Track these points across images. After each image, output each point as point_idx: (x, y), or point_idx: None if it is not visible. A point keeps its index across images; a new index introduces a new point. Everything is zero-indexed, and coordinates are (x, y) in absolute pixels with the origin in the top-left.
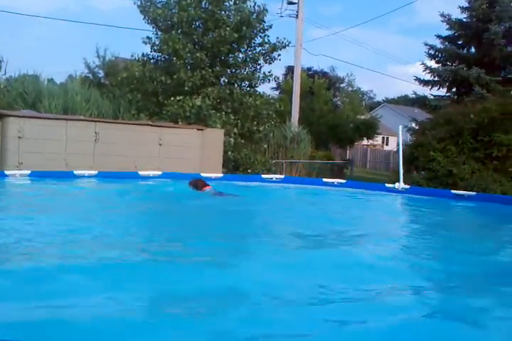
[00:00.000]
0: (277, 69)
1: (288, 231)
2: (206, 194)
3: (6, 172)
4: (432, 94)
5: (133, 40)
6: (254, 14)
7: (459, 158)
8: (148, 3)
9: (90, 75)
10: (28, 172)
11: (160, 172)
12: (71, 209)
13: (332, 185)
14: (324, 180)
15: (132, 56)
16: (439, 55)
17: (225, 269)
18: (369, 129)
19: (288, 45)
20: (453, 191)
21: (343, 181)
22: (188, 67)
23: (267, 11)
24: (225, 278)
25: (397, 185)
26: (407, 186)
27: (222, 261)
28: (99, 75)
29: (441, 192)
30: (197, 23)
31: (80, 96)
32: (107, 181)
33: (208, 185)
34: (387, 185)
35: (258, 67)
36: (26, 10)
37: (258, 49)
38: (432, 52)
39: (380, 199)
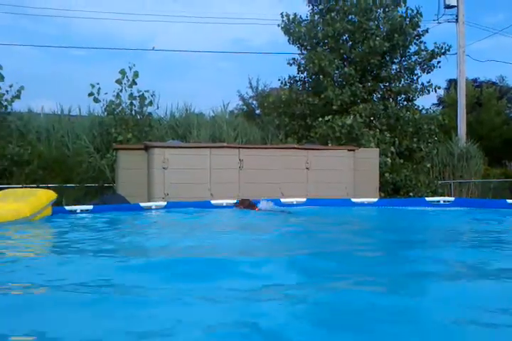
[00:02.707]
0: (437, 82)
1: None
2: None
3: (142, 204)
4: None
5: (283, 68)
6: (407, 19)
7: None
8: (292, 24)
9: (245, 107)
10: (164, 203)
11: (304, 200)
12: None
13: None
14: (509, 201)
15: (279, 80)
16: None
17: None
18: None
19: (449, 50)
20: None
21: None
22: (336, 85)
23: (421, 15)
24: None
25: None
26: None
27: None
28: (253, 106)
29: None
30: (343, 37)
31: (227, 125)
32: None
33: (256, 206)
34: None
35: (415, 77)
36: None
37: (414, 58)
38: None
39: None
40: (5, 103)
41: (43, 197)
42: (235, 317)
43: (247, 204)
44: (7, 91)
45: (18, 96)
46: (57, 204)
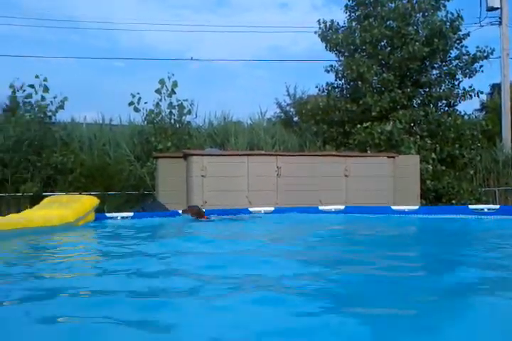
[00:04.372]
0: (480, 86)
1: None
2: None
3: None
4: None
5: (321, 75)
6: (447, 23)
7: None
8: (329, 30)
9: (282, 114)
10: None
11: (342, 207)
12: None
13: None
14: None
15: (316, 87)
16: None
17: None
18: None
19: (492, 53)
20: None
21: None
22: (375, 91)
23: (462, 18)
24: None
25: None
26: None
27: None
28: (291, 113)
29: None
30: (382, 43)
31: (264, 132)
32: (279, 219)
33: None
34: None
35: (456, 82)
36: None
37: (455, 62)
38: None
39: None
40: (49, 113)
41: (86, 203)
42: None
43: (196, 212)
44: (51, 102)
45: (61, 107)
46: (99, 211)
